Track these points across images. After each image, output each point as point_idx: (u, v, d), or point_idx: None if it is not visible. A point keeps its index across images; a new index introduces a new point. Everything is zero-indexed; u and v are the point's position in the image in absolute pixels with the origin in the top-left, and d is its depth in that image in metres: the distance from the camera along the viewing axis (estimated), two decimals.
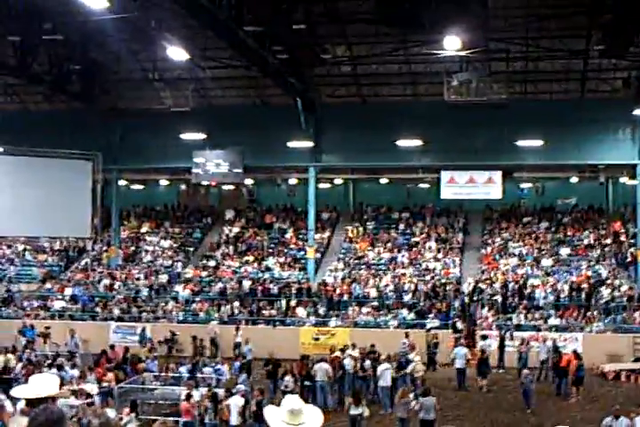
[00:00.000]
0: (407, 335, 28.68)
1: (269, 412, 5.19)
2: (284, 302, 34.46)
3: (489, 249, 38.61)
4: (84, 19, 26.44)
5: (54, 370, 21.06)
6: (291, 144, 36.36)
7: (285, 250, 40.00)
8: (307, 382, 22.65)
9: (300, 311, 33.74)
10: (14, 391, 7.16)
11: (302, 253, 38.79)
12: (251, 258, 39.06)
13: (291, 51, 29.46)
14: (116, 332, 33.04)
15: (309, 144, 36.34)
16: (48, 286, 38.17)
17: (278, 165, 38.76)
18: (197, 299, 35.62)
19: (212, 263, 39.05)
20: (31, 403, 6.44)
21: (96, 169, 35.75)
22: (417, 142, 35.65)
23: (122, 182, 42.01)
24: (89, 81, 34.03)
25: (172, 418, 19.58)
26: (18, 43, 29.18)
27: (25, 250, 41.83)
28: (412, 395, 19.21)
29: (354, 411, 19.30)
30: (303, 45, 30.23)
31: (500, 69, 32.39)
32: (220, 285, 36.37)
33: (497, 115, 32.58)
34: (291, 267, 38.28)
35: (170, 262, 39.62)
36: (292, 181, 42.33)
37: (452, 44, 25.91)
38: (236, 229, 42.13)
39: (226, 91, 37.72)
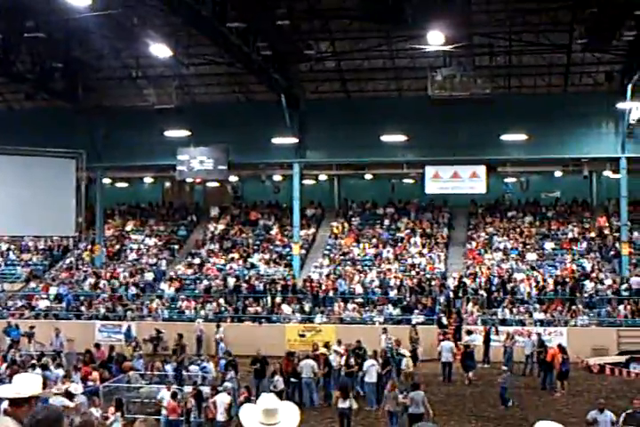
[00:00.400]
0: (385, 331, 28.70)
1: (244, 411, 5.15)
2: (269, 299, 34.41)
3: (474, 244, 38.67)
4: (67, 16, 26.27)
5: (39, 370, 20.94)
6: (275, 140, 36.31)
7: (270, 247, 39.93)
8: (292, 379, 22.63)
9: (286, 308, 33.69)
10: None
11: (287, 249, 38.75)
12: (236, 255, 38.97)
13: (274, 47, 29.43)
14: (101, 331, 32.94)
15: (294, 140, 36.29)
16: (32, 285, 38.00)
17: (263, 161, 38.68)
18: (183, 297, 35.55)
19: (197, 261, 38.95)
20: (15, 403, 6.40)
21: (80, 167, 35.54)
22: (401, 138, 35.66)
23: (106, 180, 41.83)
24: (72, 79, 33.84)
25: (157, 417, 19.52)
26: None
27: (9, 249, 41.61)
28: (397, 390, 19.24)
29: (342, 404, 19.32)
30: (287, 41, 30.21)
31: (483, 64, 32.48)
32: (205, 282, 36.30)
33: (481, 109, 32.57)
34: (276, 263, 38.23)
35: (155, 260, 39.47)
36: (277, 177, 42.25)
37: (436, 39, 25.89)
38: (221, 227, 42.05)
39: (210, 88, 37.61)
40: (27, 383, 6.36)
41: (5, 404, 7.60)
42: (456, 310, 32.93)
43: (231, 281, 35.92)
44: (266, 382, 22.38)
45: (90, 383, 21.19)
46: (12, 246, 41.68)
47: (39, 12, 27.62)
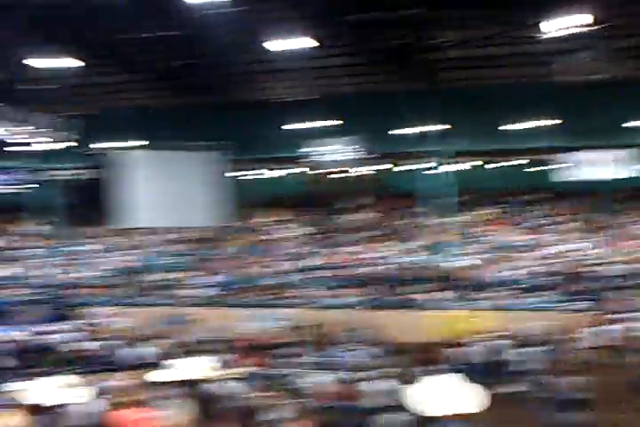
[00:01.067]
0: (539, 319, 28.25)
1: (423, 391, 5.41)
2: (424, 287, 34.53)
3: (634, 229, 37.51)
4: (199, 13, 26.94)
5: (207, 355, 21.85)
6: (417, 129, 36.31)
7: (423, 234, 39.96)
8: (454, 367, 22.66)
9: (442, 295, 33.71)
10: (170, 375, 7.71)
11: (440, 236, 38.71)
12: (389, 243, 39.31)
13: (405, 36, 29.34)
14: (263, 318, 33.80)
15: (437, 128, 36.21)
16: (197, 273, 39.62)
17: (409, 150, 38.75)
18: (339, 284, 36.15)
19: (350, 249, 39.50)
20: (187, 385, 6.96)
21: (226, 160, 36.93)
22: (548, 122, 34.96)
23: (253, 172, 43.04)
24: (209, 75, 34.80)
25: (319, 403, 19.99)
26: (136, 40, 30.04)
27: (174, 240, 43.53)
28: (561, 376, 19.23)
29: (509, 389, 19.44)
30: (418, 30, 30.02)
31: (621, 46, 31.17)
32: (360, 270, 36.80)
33: (626, 93, 31.49)
34: (429, 251, 38.27)
35: (309, 249, 40.29)
36: (424, 165, 42.12)
37: (566, 22, 25.03)
38: (371, 215, 42.46)
39: (344, 78, 37.74)
40: (199, 367, 6.93)
41: (177, 386, 8.17)
42: (618, 296, 32.07)
43: (386, 269, 36.29)
44: (427, 369, 22.51)
45: (256, 369, 21.91)
46: (178, 236, 43.59)
47: (171, 10, 28.44)
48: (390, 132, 36.38)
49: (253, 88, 37.77)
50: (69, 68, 29.12)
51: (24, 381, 14.70)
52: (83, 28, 26.95)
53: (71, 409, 14.45)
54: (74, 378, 13.10)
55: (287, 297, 35.55)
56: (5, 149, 36.72)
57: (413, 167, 42.14)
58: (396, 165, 43.62)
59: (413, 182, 44.16)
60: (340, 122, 36.56)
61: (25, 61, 28.35)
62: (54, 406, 8.52)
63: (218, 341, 27.11)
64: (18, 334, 28.85)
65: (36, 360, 23.77)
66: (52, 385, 9.42)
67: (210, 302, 36.19)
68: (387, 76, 36.69)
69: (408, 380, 19.28)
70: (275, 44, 26.42)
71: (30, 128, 33.70)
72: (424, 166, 42.34)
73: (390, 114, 35.71)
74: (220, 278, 38.20)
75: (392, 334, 28.85)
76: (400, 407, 17.30)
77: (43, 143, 35.66)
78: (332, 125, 36.99)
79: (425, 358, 23.32)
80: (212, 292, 37.21)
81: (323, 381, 20.56)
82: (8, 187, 43.46)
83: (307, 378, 22.36)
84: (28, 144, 35.50)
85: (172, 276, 39.70)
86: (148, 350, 24.94)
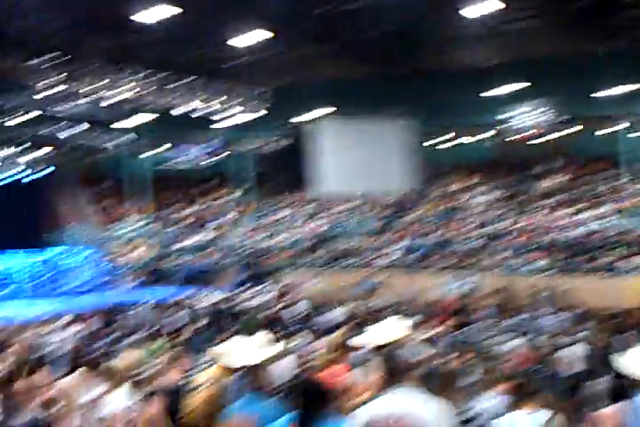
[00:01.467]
0: None
1: (620, 356, 5.47)
2: (619, 252, 33.52)
3: None
4: None
5: (398, 319, 22.29)
6: (613, 91, 34.98)
7: (619, 198, 38.63)
8: None
9: (638, 261, 32.65)
10: (361, 338, 8.05)
11: (637, 201, 37.33)
12: (583, 207, 38.34)
13: None
14: (452, 283, 34.01)
15: (635, 88, 34.75)
16: (387, 239, 40.25)
17: (604, 112, 37.46)
18: (530, 249, 35.75)
19: (541, 214, 38.88)
20: (378, 348, 7.27)
21: (415, 127, 37.19)
22: None
23: (442, 139, 43.03)
24: (402, 43, 34.91)
25: (514, 368, 19.97)
26: (326, 12, 30.57)
27: (364, 206, 44.38)
28: None
29: None
30: None
31: None
32: (551, 235, 36.22)
33: None
34: (625, 215, 37.02)
35: (499, 215, 39.99)
36: (620, 127, 40.56)
37: None
38: (563, 179, 41.49)
39: (533, 42, 36.79)
40: (388, 330, 7.24)
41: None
42: None
43: (579, 233, 35.54)
44: (625, 335, 21.95)
45: (447, 333, 22.11)
46: (366, 203, 44.44)
47: None
48: (584, 94, 35.29)
49: (442, 55, 37.60)
50: (263, 42, 30.23)
51: (219, 342, 15.59)
52: (276, 2, 27.75)
53: (267, 369, 15.27)
54: (269, 338, 13.96)
55: (477, 262, 35.55)
56: (204, 120, 38.57)
57: (608, 130, 40.65)
58: (589, 128, 42.22)
59: (608, 145, 42.71)
60: (531, 85, 35.84)
61: (223, 38, 29.66)
62: (249, 365, 9.04)
63: (408, 305, 27.63)
64: (213, 297, 30.50)
65: (230, 323, 24.90)
66: (248, 345, 9.95)
67: (399, 267, 36.79)
68: (582, 36, 35.54)
69: (605, 345, 19.06)
70: (464, 10, 26.27)
71: (227, 101, 35.24)
72: (620, 128, 40.86)
73: (584, 75, 34.69)
74: (409, 244, 38.68)
75: (585, 299, 28.34)
76: (599, 373, 17.12)
77: (239, 115, 37.21)
78: (522, 89, 36.34)
79: (621, 323, 22.80)
80: (401, 257, 37.78)
81: (516, 345, 20.50)
82: (206, 157, 45.69)
83: (499, 343, 22.42)
84: (226, 116, 37.14)
85: (361, 241, 40.58)
86: (340, 314, 25.50)
